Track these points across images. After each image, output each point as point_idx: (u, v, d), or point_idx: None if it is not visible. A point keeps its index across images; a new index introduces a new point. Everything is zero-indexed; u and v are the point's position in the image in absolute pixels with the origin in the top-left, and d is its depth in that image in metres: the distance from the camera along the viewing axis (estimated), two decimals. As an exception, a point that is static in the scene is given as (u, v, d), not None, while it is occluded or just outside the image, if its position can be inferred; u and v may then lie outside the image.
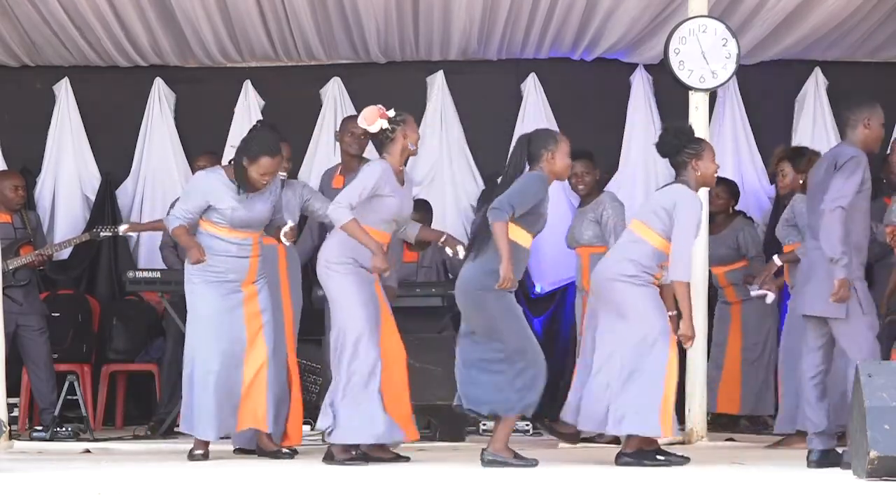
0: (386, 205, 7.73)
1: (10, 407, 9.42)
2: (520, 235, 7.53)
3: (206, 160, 9.73)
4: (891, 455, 6.45)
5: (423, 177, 11.08)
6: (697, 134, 8.04)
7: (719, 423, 10.11)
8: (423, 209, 10.05)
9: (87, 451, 8.78)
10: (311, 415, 9.23)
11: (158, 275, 9.81)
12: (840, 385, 7.45)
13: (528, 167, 7.65)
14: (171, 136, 11.30)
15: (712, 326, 9.90)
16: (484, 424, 9.43)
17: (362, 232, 7.64)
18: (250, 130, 8.25)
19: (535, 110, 11.18)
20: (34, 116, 11.31)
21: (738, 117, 11.26)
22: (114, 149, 11.34)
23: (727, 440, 9.42)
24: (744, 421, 10.30)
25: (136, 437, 9.63)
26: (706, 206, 9.17)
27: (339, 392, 7.70)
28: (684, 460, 7.67)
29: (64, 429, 9.51)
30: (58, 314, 10.48)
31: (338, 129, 9.58)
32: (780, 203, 10.09)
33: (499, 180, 7.72)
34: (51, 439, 9.32)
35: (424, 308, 9.74)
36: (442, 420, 9.05)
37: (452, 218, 11.08)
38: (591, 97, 11.25)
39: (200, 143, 10.87)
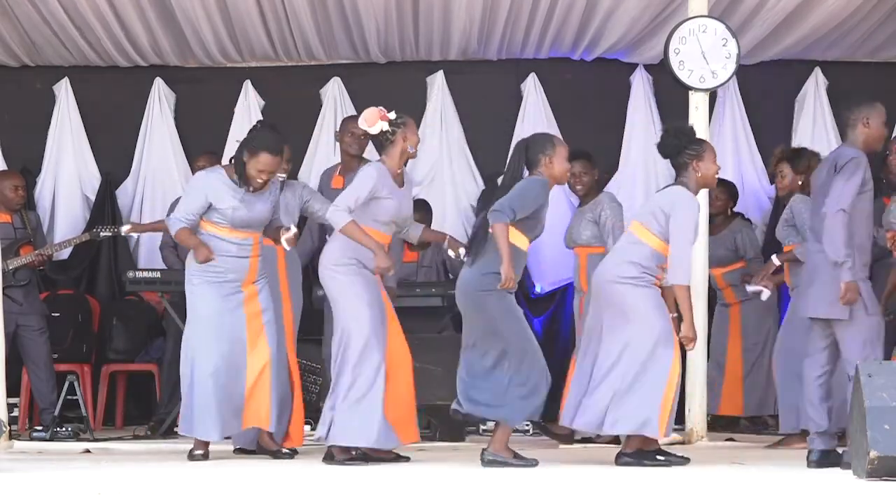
0: (384, 207, 7.73)
1: (10, 407, 9.42)
2: (518, 239, 7.53)
3: (206, 160, 9.74)
4: (891, 455, 6.45)
5: (423, 177, 11.09)
6: (698, 134, 8.03)
7: (719, 423, 10.11)
8: (422, 209, 10.06)
9: (87, 451, 8.77)
10: (311, 415, 9.23)
11: (158, 275, 9.81)
12: (845, 386, 7.44)
13: (526, 172, 7.66)
14: (171, 136, 11.30)
15: (712, 327, 9.89)
16: (484, 425, 9.44)
17: (362, 233, 7.64)
18: (251, 129, 8.25)
19: (535, 110, 11.19)
20: (34, 116, 11.31)
21: (738, 117, 11.26)
22: (114, 149, 11.34)
23: (727, 440, 9.42)
24: (744, 421, 10.30)
25: (136, 437, 9.62)
26: (705, 208, 9.17)
27: (340, 395, 7.69)
28: (684, 460, 7.67)
29: (64, 429, 9.51)
30: (58, 314, 10.48)
31: (338, 130, 9.60)
32: (780, 203, 10.09)
33: (499, 181, 7.73)
34: (51, 439, 9.32)
35: (424, 308, 9.75)
36: (442, 420, 9.05)
37: (452, 218, 11.08)
38: (591, 97, 11.25)
39: (200, 143, 10.88)
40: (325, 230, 9.27)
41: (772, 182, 10.56)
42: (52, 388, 9.89)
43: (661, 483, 6.73)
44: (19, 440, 9.27)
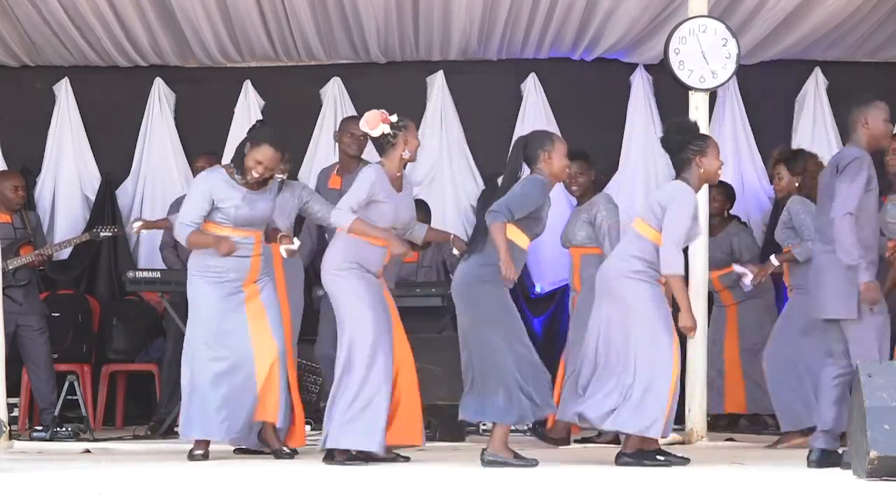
0: (381, 211, 7.71)
1: (10, 407, 9.42)
2: (518, 237, 7.54)
3: (205, 161, 9.74)
4: (891, 455, 6.45)
5: (423, 177, 11.09)
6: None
7: (720, 423, 10.11)
8: (421, 210, 10.04)
9: (87, 451, 8.77)
10: (311, 415, 9.22)
11: (158, 275, 9.81)
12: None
13: (526, 170, 7.66)
14: (171, 136, 11.31)
15: (710, 329, 9.88)
16: (484, 425, 9.43)
17: (370, 227, 7.64)
18: (252, 126, 8.26)
19: (535, 110, 11.19)
20: (34, 116, 11.31)
21: (738, 117, 11.26)
22: (114, 149, 11.35)
23: (727, 440, 9.42)
24: (744, 421, 10.30)
25: (136, 437, 9.62)
26: (705, 208, 9.16)
27: (345, 400, 7.65)
28: (684, 460, 7.67)
29: (64, 429, 9.51)
30: (58, 314, 10.48)
31: (336, 130, 9.59)
32: (779, 204, 10.09)
33: (499, 181, 7.73)
34: (51, 439, 9.32)
35: (424, 308, 9.75)
36: (442, 420, 9.05)
37: (452, 218, 11.08)
38: (591, 97, 11.25)
39: (200, 143, 10.88)
40: (323, 231, 9.27)
41: (772, 182, 10.56)
42: (52, 388, 9.89)
43: (661, 483, 6.73)
44: (19, 440, 9.27)
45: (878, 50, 11.11)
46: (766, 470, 7.35)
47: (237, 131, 10.65)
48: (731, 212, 10.53)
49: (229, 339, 8.00)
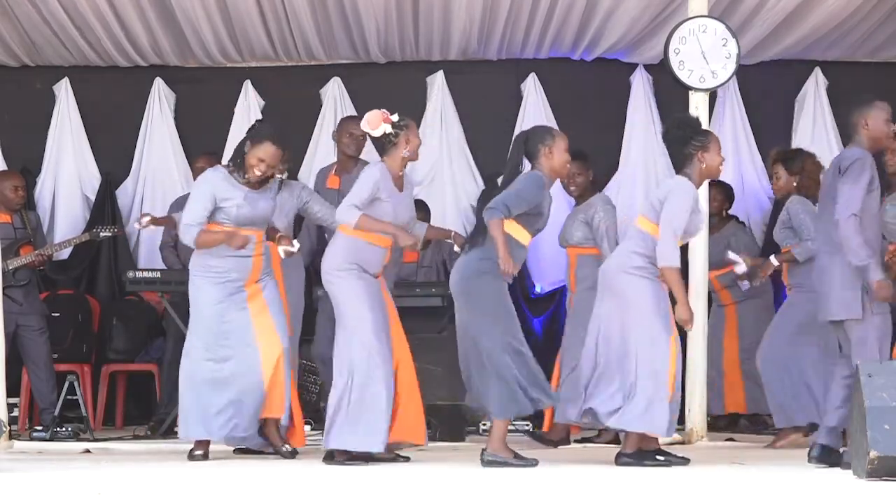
0: (381, 210, 7.71)
1: (10, 407, 9.41)
2: (519, 233, 7.54)
3: (205, 161, 9.72)
4: (891, 455, 6.45)
5: (423, 177, 11.09)
6: (700, 129, 8.04)
7: (719, 423, 10.10)
8: (420, 210, 10.04)
9: (87, 451, 8.77)
10: (311, 415, 9.22)
11: (158, 275, 9.80)
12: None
13: (528, 165, 7.66)
14: (171, 136, 11.31)
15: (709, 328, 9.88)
16: (484, 424, 9.44)
17: (377, 222, 7.65)
18: (252, 126, 8.26)
19: (535, 110, 11.19)
20: (34, 116, 11.32)
21: (738, 117, 11.26)
22: (114, 149, 11.35)
23: (727, 440, 9.42)
24: (744, 421, 10.30)
25: (136, 437, 9.62)
26: (705, 207, 9.15)
27: (345, 400, 7.66)
28: (684, 460, 7.67)
29: (64, 429, 9.51)
30: (58, 314, 10.48)
31: (335, 130, 9.59)
32: (779, 204, 10.09)
33: (499, 181, 7.73)
34: (51, 439, 9.32)
35: (424, 308, 9.74)
36: (442, 420, 9.05)
37: (452, 218, 11.07)
38: (591, 97, 11.25)
39: (200, 143, 10.88)
40: (323, 231, 9.27)
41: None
42: (52, 388, 9.89)
43: (661, 483, 6.73)
44: (19, 440, 9.27)
45: (878, 50, 11.11)
46: (766, 470, 7.35)
47: (237, 131, 10.64)
48: (730, 212, 10.53)
49: (232, 337, 7.99)
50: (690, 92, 9.33)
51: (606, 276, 7.72)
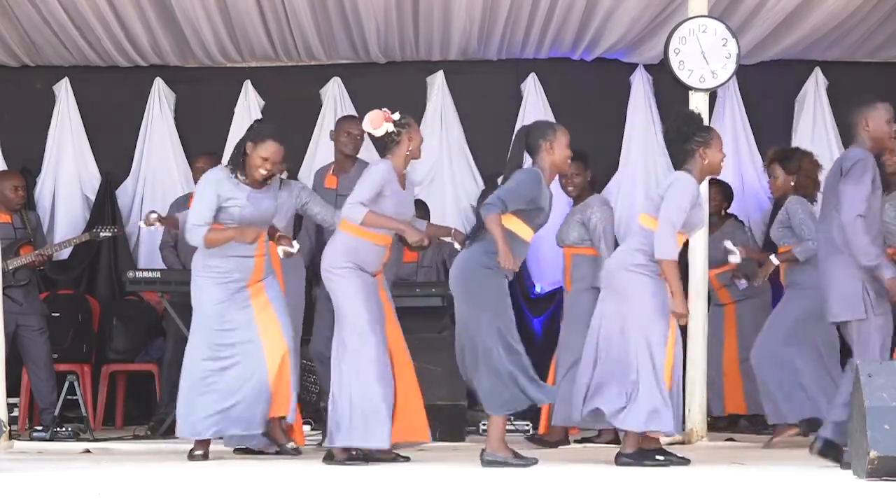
0: (384, 206, 7.71)
1: (10, 407, 9.42)
2: (519, 228, 7.53)
3: (205, 162, 9.71)
4: (891, 455, 6.45)
5: (423, 177, 11.09)
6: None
7: (719, 423, 10.10)
8: (420, 209, 10.05)
9: (87, 451, 8.77)
10: (311, 415, 9.21)
11: (158, 275, 9.80)
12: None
13: (528, 161, 7.67)
14: (171, 136, 11.31)
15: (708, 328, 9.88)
16: (484, 424, 9.43)
17: (384, 218, 7.66)
18: (251, 126, 8.26)
19: (535, 110, 11.19)
20: (34, 116, 11.32)
21: (738, 117, 11.27)
22: (114, 149, 11.35)
23: (727, 440, 9.42)
24: (744, 421, 10.29)
25: (136, 437, 9.62)
26: (705, 206, 9.15)
27: (345, 398, 7.66)
28: (684, 460, 7.67)
29: (64, 429, 9.51)
30: (58, 314, 10.49)
31: (333, 129, 9.58)
32: (778, 203, 10.10)
33: (499, 181, 7.73)
34: (51, 439, 9.32)
35: (424, 308, 9.75)
36: (442, 420, 9.04)
37: (452, 218, 11.07)
38: (591, 97, 11.25)
39: (200, 143, 10.88)
40: (322, 230, 9.26)
41: (770, 182, 10.58)
42: (52, 388, 9.89)
43: (661, 483, 6.73)
44: (19, 440, 9.27)
45: (878, 50, 11.12)
46: (766, 470, 7.35)
47: (237, 131, 10.63)
48: (729, 211, 10.53)
49: (235, 335, 7.98)
50: (690, 92, 9.33)
51: (608, 274, 7.73)
